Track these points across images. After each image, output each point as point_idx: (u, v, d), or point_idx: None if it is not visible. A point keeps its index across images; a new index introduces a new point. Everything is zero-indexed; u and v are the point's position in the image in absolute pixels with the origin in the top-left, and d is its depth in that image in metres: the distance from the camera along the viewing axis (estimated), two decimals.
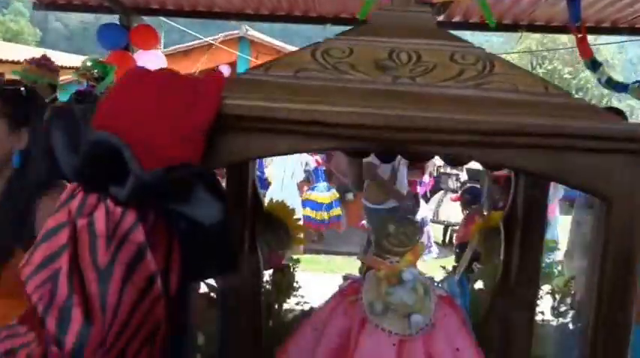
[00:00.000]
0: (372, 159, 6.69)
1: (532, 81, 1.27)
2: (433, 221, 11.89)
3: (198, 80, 1.24)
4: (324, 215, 11.25)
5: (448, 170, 13.48)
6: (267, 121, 1.21)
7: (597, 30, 7.35)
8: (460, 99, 1.24)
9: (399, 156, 6.76)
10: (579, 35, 4.05)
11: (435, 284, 1.81)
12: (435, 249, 10.25)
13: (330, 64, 1.32)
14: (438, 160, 14.45)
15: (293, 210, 2.29)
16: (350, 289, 1.75)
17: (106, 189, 1.09)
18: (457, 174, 13.34)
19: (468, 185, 10.59)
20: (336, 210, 11.43)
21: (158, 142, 1.14)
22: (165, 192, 1.11)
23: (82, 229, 1.06)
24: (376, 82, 1.29)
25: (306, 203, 10.97)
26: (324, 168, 11.50)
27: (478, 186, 8.98)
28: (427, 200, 12.16)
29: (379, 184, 6.61)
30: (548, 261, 2.26)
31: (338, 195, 11.52)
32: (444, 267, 2.64)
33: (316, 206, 11.13)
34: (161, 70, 1.23)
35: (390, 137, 1.20)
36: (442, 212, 12.37)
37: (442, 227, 12.48)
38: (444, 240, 12.21)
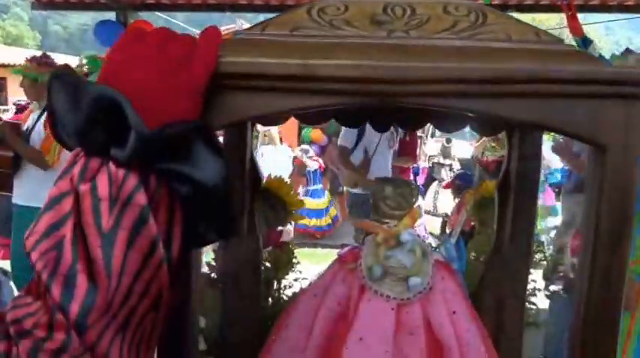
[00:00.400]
0: (344, 142, 6.75)
1: (524, 29, 1.29)
2: (433, 214, 11.86)
3: (195, 38, 1.25)
4: (322, 221, 11.33)
5: (441, 160, 13.48)
6: (265, 78, 1.22)
7: (586, 8, 7.34)
8: (455, 49, 1.25)
9: (376, 141, 6.81)
10: (570, 13, 4.04)
11: (432, 248, 1.81)
12: (430, 239, 10.24)
13: (326, 21, 1.33)
14: (430, 150, 14.48)
15: (291, 186, 2.30)
16: (349, 255, 1.76)
17: (107, 150, 1.10)
18: (450, 165, 13.33)
19: (459, 171, 10.58)
20: (333, 211, 11.53)
21: (156, 101, 1.15)
22: (166, 150, 1.12)
23: (85, 194, 1.07)
24: (372, 37, 1.30)
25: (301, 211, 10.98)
26: (322, 170, 11.57)
27: (469, 172, 8.97)
28: (423, 194, 12.14)
29: (350, 170, 6.68)
30: (543, 226, 2.27)
31: (330, 197, 11.61)
32: (432, 233, 2.65)
33: (313, 213, 11.20)
34: (159, 28, 1.24)
35: (388, 89, 1.21)
36: (440, 204, 12.35)
37: (441, 219, 12.46)
38: (441, 232, 12.19)
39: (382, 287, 1.67)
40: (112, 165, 1.07)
